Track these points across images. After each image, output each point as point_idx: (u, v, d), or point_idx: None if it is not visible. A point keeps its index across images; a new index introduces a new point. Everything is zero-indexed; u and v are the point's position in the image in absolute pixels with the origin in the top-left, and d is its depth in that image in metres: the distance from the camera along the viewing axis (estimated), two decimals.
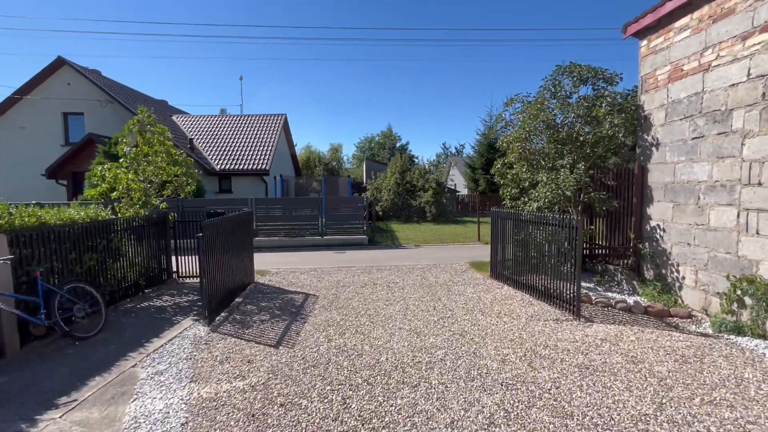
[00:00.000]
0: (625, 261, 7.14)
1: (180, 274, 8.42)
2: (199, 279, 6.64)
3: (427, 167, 25.10)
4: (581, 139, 7.64)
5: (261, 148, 20.72)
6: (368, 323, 5.60)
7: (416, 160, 25.43)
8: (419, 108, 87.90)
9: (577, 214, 7.36)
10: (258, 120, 23.12)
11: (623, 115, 6.78)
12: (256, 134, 21.79)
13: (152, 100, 23.66)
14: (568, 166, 7.27)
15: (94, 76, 18.89)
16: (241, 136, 21.64)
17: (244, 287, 7.49)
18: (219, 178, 19.74)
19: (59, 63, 17.82)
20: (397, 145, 56.79)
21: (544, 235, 6.45)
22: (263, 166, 19.29)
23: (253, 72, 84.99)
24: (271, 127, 22.50)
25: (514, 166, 8.74)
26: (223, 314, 6.04)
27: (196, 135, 21.63)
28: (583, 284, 6.98)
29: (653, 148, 6.53)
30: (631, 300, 6.19)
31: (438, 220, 22.24)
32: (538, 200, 7.28)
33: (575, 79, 7.69)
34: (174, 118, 22.97)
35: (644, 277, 6.73)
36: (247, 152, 20.36)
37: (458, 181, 34.88)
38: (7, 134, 17.83)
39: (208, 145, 20.90)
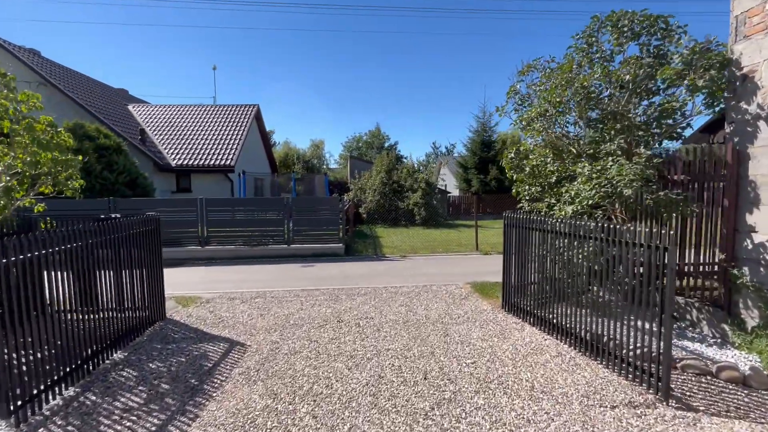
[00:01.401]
0: (706, 292, 4.89)
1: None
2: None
3: (416, 166, 22.85)
4: (629, 115, 5.37)
5: (227, 142, 18.15)
6: (309, 418, 3.20)
7: (405, 160, 23.20)
8: (408, 106, 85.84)
9: (627, 221, 5.08)
10: (226, 111, 20.53)
11: (711, 73, 4.50)
12: (223, 127, 19.21)
13: (106, 87, 20.88)
14: (619, 152, 4.99)
15: (27, 55, 16.10)
16: (205, 129, 19.04)
17: (139, 330, 5.02)
18: (177, 176, 17.12)
19: None
20: (386, 144, 54.52)
21: (595, 253, 4.14)
22: (228, 162, 16.73)
23: (233, 66, 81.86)
24: (240, 118, 19.93)
25: (531, 156, 6.45)
26: (58, 400, 3.52)
27: (152, 127, 18.95)
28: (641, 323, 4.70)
29: (759, 123, 4.29)
30: (742, 364, 3.90)
31: (428, 224, 19.96)
32: (576, 201, 4.98)
33: (623, 31, 5.42)
34: (130, 107, 20.24)
35: (741, 318, 4.49)
36: (210, 146, 17.77)
37: (449, 182, 32.71)
38: None
39: (166, 137, 18.24)
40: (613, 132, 5.28)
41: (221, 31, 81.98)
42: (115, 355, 4.42)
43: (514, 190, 6.62)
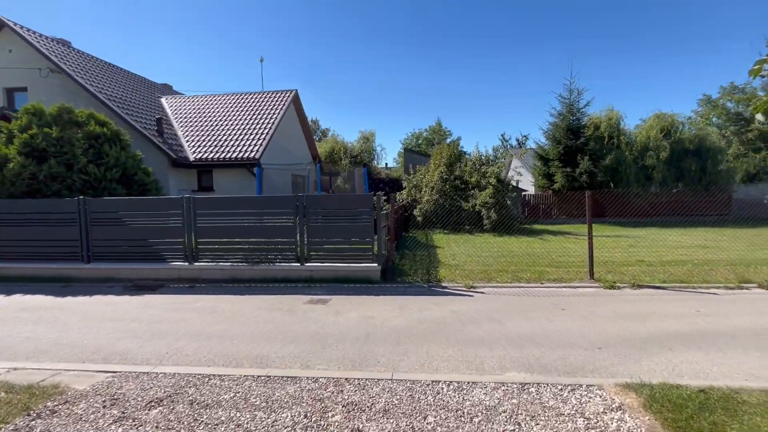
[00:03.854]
0: None
1: None
2: None
3: (483, 158, 18.43)
4: None
5: (254, 132, 15.42)
6: None
7: (468, 156, 19.01)
8: (473, 98, 79.80)
9: None
10: (259, 99, 17.95)
11: None
12: (253, 116, 16.58)
13: (143, 80, 19.48)
14: None
15: (49, 43, 14.75)
16: (233, 119, 16.55)
17: None
18: (198, 173, 14.73)
19: None
20: (448, 141, 49.93)
21: None
22: (252, 155, 13.92)
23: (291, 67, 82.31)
24: (273, 106, 17.18)
25: None
26: None
27: (179, 118, 16.92)
28: None
29: None
30: None
31: (499, 230, 15.52)
32: None
33: None
34: (163, 99, 18.56)
35: None
36: (235, 138, 15.16)
37: (522, 179, 27.39)
38: None
39: (190, 129, 16.04)
40: None
41: (278, 23, 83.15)
42: None
43: None
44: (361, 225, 7.80)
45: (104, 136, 10.50)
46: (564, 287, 6.99)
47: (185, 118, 16.94)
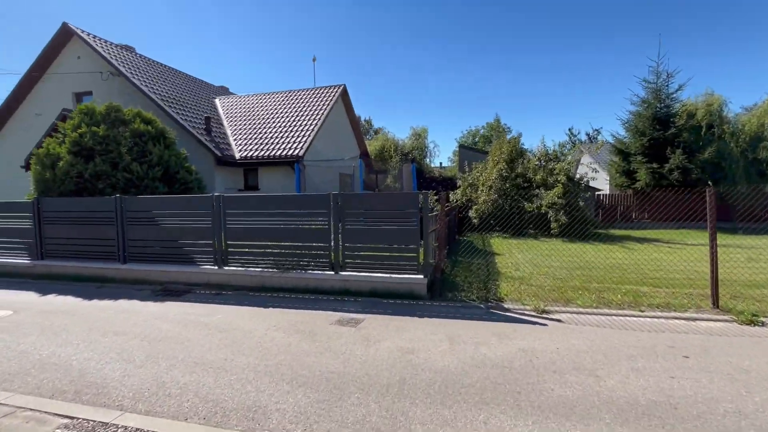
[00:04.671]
0: None
1: None
2: None
3: (550, 153, 16.23)
4: None
5: (299, 129, 14.84)
6: None
7: (528, 154, 16.96)
8: (532, 96, 74.72)
9: None
10: (306, 95, 17.42)
11: None
12: (299, 112, 16.05)
13: (200, 82, 19.96)
14: None
15: (115, 49, 15.39)
16: (279, 117, 16.15)
17: None
18: (245, 171, 14.45)
19: (67, 34, 14.65)
20: (507, 138, 46.81)
21: None
22: (295, 152, 13.29)
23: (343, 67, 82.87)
24: (320, 102, 16.53)
25: None
26: None
27: (230, 117, 16.92)
28: None
29: None
30: None
31: (569, 235, 13.38)
32: None
33: None
34: (217, 100, 18.80)
35: None
36: (280, 135, 14.69)
37: (595, 175, 24.24)
38: (27, 122, 15.35)
39: (238, 128, 15.90)
40: None
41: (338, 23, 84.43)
42: None
43: None
44: (405, 228, 6.54)
45: (148, 134, 10.35)
46: (676, 318, 5.16)
47: (234, 117, 16.92)
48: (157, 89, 14.45)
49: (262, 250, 7.37)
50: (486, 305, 5.90)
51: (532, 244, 12.50)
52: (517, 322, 5.11)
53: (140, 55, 17.16)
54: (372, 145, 23.71)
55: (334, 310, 5.81)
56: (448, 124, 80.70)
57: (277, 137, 14.54)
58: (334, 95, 16.82)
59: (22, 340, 4.80)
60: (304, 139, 14.00)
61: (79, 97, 15.05)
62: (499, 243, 13.18)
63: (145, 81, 14.35)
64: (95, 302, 6.57)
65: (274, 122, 15.66)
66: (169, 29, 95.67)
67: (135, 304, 6.41)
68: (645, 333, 4.63)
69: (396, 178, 17.19)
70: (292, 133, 14.55)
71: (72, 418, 3.01)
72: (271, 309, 5.94)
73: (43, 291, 7.45)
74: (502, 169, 15.71)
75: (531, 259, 9.77)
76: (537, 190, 14.95)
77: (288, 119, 15.67)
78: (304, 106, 16.39)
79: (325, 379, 3.59)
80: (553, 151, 16.33)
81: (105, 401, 3.28)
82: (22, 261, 9.07)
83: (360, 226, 6.86)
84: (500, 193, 15.30)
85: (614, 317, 5.24)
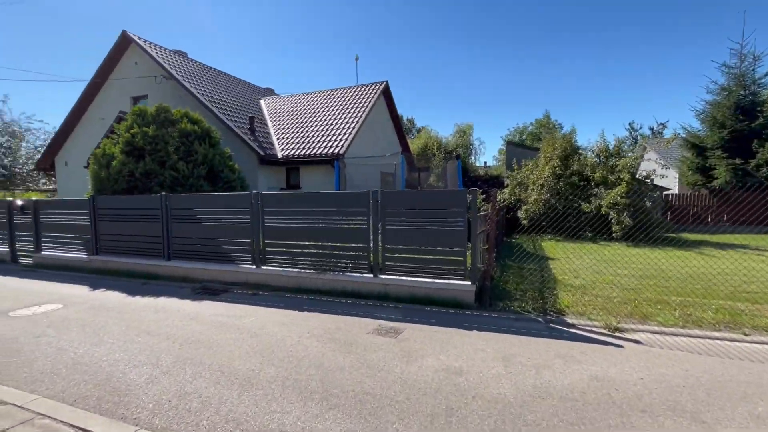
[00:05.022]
0: None
1: None
2: None
3: (611, 149, 14.71)
4: None
5: (340, 127, 14.61)
6: None
7: (583, 152, 15.52)
8: (585, 90, 70.09)
9: None
10: (348, 93, 17.20)
11: None
12: (341, 110, 15.85)
13: (247, 84, 20.48)
14: None
15: (169, 55, 16.09)
16: (321, 115, 16.04)
17: None
18: (287, 170, 14.47)
19: (126, 41, 15.49)
20: (561, 134, 44.08)
21: None
22: (336, 150, 13.05)
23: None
24: (361, 99, 16.23)
25: None
26: None
27: (274, 117, 17.11)
28: None
29: None
30: None
31: (634, 239, 11.97)
32: None
33: None
34: (262, 101, 19.16)
35: None
36: (321, 134, 14.55)
37: (665, 172, 21.84)
38: (92, 126, 16.46)
39: (281, 127, 16.00)
40: None
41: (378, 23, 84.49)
42: None
43: None
44: (451, 229, 5.94)
45: (194, 134, 10.55)
46: None
47: (277, 116, 17.08)
48: (205, 91, 14.88)
49: (300, 250, 7.08)
50: (544, 318, 5.15)
51: (591, 249, 11.31)
52: (584, 341, 4.35)
53: (191, 60, 17.85)
54: (414, 144, 23.12)
55: (372, 316, 5.35)
56: (493, 122, 77.90)
57: (318, 136, 14.43)
58: (375, 92, 16.47)
59: (63, 336, 4.80)
60: (345, 137, 13.74)
61: (136, 100, 15.87)
62: (552, 246, 12.11)
63: (194, 84, 14.83)
64: (137, 299, 6.61)
65: (315, 121, 15.59)
66: (219, 35, 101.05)
67: (173, 302, 6.36)
68: (757, 364, 3.70)
69: (439, 176, 16.51)
70: (333, 132, 14.37)
71: (85, 431, 2.78)
72: (306, 313, 5.59)
73: (94, 285, 7.69)
74: (555, 167, 14.51)
75: (591, 265, 8.74)
76: (596, 189, 13.62)
77: (329, 118, 15.53)
78: (345, 104, 16.18)
79: (360, 402, 3.12)
80: (615, 146, 14.81)
81: (123, 413, 3.03)
82: (81, 256, 9.52)
83: (401, 226, 6.34)
84: (553, 192, 14.13)
85: (710, 341, 4.30)
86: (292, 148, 14.07)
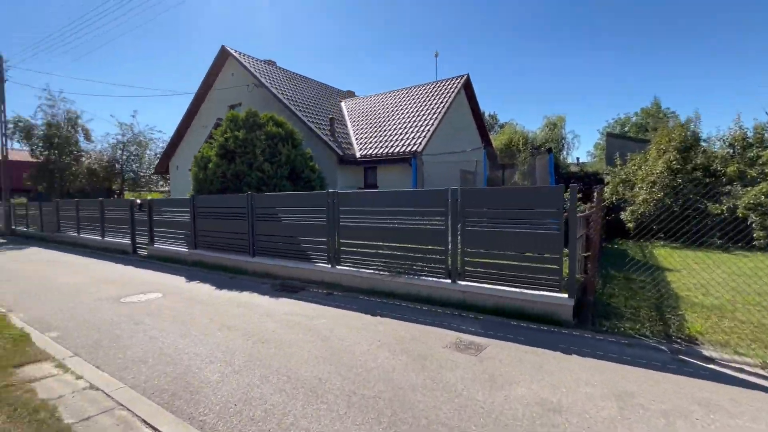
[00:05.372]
0: None
1: None
2: None
3: (749, 136, 11.92)
4: None
5: (417, 124, 14.18)
6: None
7: (706, 144, 12.85)
8: (699, 78, 59.40)
9: None
10: (427, 89, 16.69)
11: None
12: (419, 108, 15.41)
13: (329, 88, 21.22)
14: None
15: (260, 64, 17.34)
16: (399, 113, 15.79)
17: None
18: (365, 170, 14.52)
19: (224, 55, 17.01)
20: (670, 125, 38.01)
21: None
22: (414, 148, 12.67)
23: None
24: (441, 95, 15.60)
25: None
26: None
27: (353, 118, 17.36)
28: None
29: None
30: None
31: None
32: None
33: None
34: (342, 103, 19.64)
35: None
36: (400, 132, 14.29)
37: None
38: (197, 134, 18.46)
39: (359, 127, 16.12)
40: None
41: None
42: None
43: None
44: (543, 232, 5.13)
45: (279, 136, 11.03)
46: None
47: (356, 117, 17.30)
48: (289, 95, 15.66)
49: (374, 251, 6.83)
50: (669, 347, 4.10)
51: (722, 259, 9.23)
52: (733, 384, 3.29)
53: (279, 68, 19.02)
54: (498, 140, 21.70)
55: (450, 327, 4.82)
56: (586, 115, 70.57)
57: (395, 134, 14.21)
58: (455, 87, 15.72)
59: (157, 325, 5.15)
60: (423, 134, 13.29)
61: (231, 108, 17.35)
62: (667, 254, 10.19)
63: (281, 89, 15.70)
64: (224, 293, 6.97)
65: (393, 120, 15.41)
66: (305, 44, 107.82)
67: (254, 297, 6.55)
68: None
69: (525, 174, 15.14)
70: (410, 130, 14.03)
71: (154, 430, 2.76)
72: (378, 317, 5.28)
73: (191, 277, 8.37)
74: (671, 160, 12.28)
75: (725, 280, 7.01)
76: (728, 187, 11.18)
77: (407, 115, 15.22)
78: (424, 101, 15.73)
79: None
80: (756, 133, 12.01)
81: (192, 412, 2.99)
82: (183, 249, 10.55)
83: (484, 227, 5.69)
84: (668, 190, 11.94)
85: None
86: (370, 148, 14.06)
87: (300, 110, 14.73)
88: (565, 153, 21.71)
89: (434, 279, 6.05)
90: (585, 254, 5.43)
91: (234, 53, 16.67)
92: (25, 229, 19.42)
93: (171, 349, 4.29)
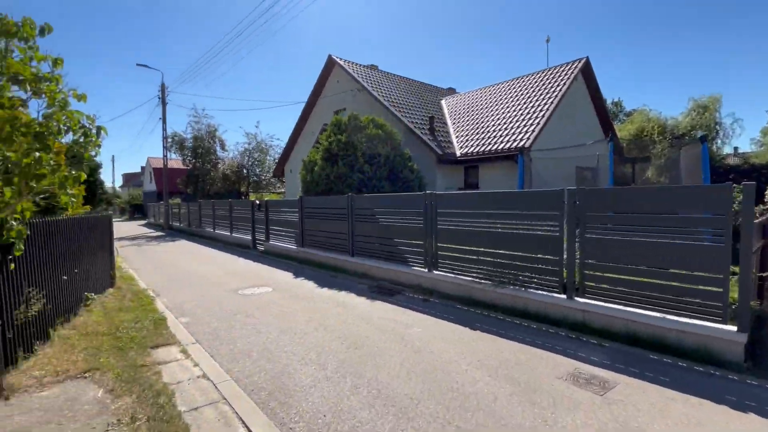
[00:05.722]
0: None
1: None
2: None
3: None
4: None
5: (525, 117, 12.91)
6: None
7: None
8: None
9: None
10: (536, 79, 15.13)
11: None
12: (527, 99, 14.06)
13: (429, 87, 20.98)
14: None
15: (362, 70, 17.96)
16: (503, 107, 14.63)
17: None
18: (465, 169, 13.85)
19: (330, 63, 18.00)
20: None
21: None
22: (520, 144, 11.56)
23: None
24: (553, 84, 13.98)
25: None
26: None
27: (454, 116, 16.75)
28: None
29: None
30: None
31: None
32: None
33: None
34: (443, 101, 19.17)
35: None
36: (503, 127, 13.23)
37: None
38: (307, 139, 19.99)
39: (459, 125, 15.44)
40: None
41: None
42: None
43: None
44: (697, 245, 3.99)
45: (378, 137, 11.14)
46: None
47: (457, 114, 16.65)
48: (390, 97, 15.84)
49: (474, 257, 6.29)
50: None
51: None
52: None
53: (381, 71, 19.44)
54: (625, 129, 18.62)
55: (565, 353, 4.07)
56: (744, 96, 56.74)
57: (499, 130, 13.22)
58: (571, 73, 13.94)
59: (263, 319, 5.50)
60: (531, 128, 12.07)
61: (337, 113, 18.32)
62: None
63: (382, 92, 15.98)
64: (324, 291, 7.21)
65: (496, 114, 14.38)
66: (407, 47, 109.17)
67: (352, 298, 6.61)
68: None
69: (661, 169, 12.59)
70: (516, 123, 12.88)
71: (248, 430, 2.80)
72: (478, 332, 4.78)
73: (297, 274, 8.93)
74: None
75: None
76: None
77: (513, 109, 14.04)
78: (532, 92, 14.33)
79: None
80: None
81: (283, 417, 2.98)
82: (292, 246, 11.40)
83: (609, 235, 4.72)
84: None
85: None
86: (471, 146, 13.34)
87: (399, 111, 14.77)
88: (719, 142, 17.58)
89: (545, 293, 5.26)
90: (762, 275, 4.08)
91: (339, 61, 17.55)
92: (178, 224, 23.59)
93: (273, 345, 4.48)
